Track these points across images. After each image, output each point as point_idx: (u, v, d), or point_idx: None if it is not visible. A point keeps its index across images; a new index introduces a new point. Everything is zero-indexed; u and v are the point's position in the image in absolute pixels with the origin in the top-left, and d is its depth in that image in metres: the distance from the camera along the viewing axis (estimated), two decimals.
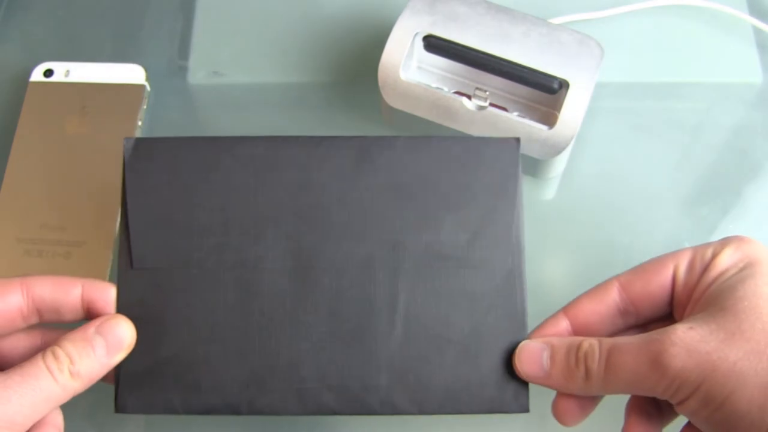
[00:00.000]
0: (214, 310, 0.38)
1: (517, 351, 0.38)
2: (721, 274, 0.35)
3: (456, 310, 0.38)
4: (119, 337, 0.36)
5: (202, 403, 0.38)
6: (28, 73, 0.54)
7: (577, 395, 0.37)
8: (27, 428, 0.34)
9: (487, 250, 0.39)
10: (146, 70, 0.54)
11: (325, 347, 0.38)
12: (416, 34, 0.49)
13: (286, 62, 0.56)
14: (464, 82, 0.51)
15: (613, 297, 0.37)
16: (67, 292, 0.36)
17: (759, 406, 0.31)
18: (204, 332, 0.38)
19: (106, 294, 0.37)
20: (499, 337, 0.38)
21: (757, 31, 0.56)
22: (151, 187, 0.39)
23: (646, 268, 0.37)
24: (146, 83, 0.54)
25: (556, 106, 0.48)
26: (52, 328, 0.38)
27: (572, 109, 0.47)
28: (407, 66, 0.50)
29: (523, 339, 0.38)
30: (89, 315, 0.37)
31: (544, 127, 0.47)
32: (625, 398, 0.38)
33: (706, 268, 0.35)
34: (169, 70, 0.56)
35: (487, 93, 0.48)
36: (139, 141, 0.40)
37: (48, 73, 0.54)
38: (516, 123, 0.47)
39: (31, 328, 0.37)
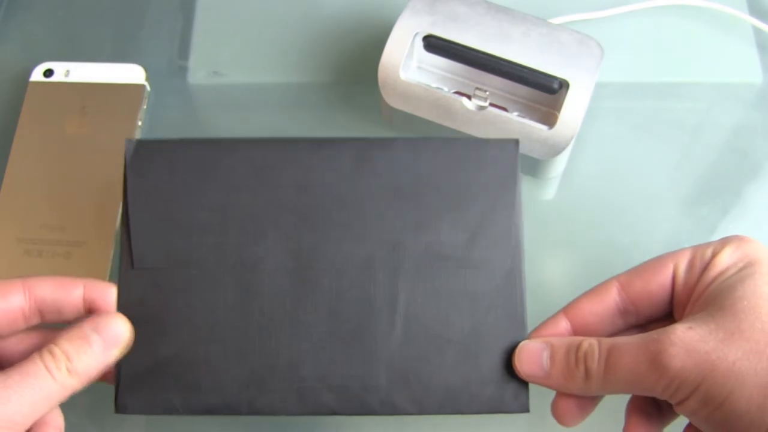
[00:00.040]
0: (214, 310, 0.38)
1: (517, 351, 0.38)
2: (721, 273, 0.35)
3: (456, 310, 0.39)
4: (116, 334, 0.36)
5: (203, 403, 0.38)
6: (28, 73, 0.54)
7: (577, 395, 0.37)
8: (27, 427, 0.34)
9: (486, 250, 0.39)
10: (146, 70, 0.54)
11: (325, 347, 0.38)
12: (416, 34, 0.49)
13: (286, 62, 0.56)
14: (464, 82, 0.51)
15: (612, 297, 0.37)
16: (68, 293, 0.36)
17: (758, 405, 0.31)
18: (204, 332, 0.38)
19: (107, 294, 0.37)
20: (499, 337, 0.38)
21: (757, 31, 0.56)
22: (152, 188, 0.40)
23: (646, 267, 0.37)
24: (146, 83, 0.54)
25: (556, 106, 0.48)
26: (53, 329, 0.38)
27: (572, 109, 0.47)
28: (407, 66, 0.50)
29: (523, 339, 0.38)
30: (90, 315, 0.37)
31: (544, 127, 0.47)
32: (625, 399, 0.38)
33: (706, 267, 0.35)
34: (169, 70, 0.56)
35: (487, 93, 0.48)
36: (140, 143, 0.40)
37: (48, 73, 0.54)
38: (516, 123, 0.47)
39: (31, 328, 0.37)
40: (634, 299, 0.37)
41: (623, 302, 0.37)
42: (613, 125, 0.53)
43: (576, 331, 0.38)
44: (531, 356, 0.37)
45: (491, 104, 0.48)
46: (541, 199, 0.52)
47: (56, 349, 0.34)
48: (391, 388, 0.38)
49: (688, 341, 0.32)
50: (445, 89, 0.49)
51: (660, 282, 0.37)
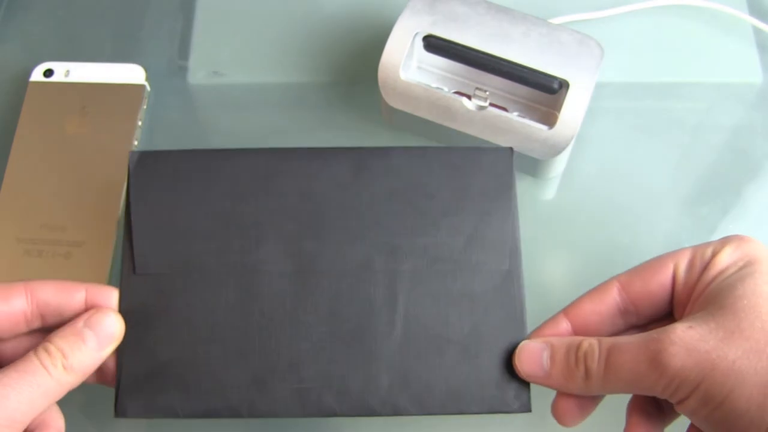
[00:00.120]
0: (214, 311, 0.39)
1: (517, 351, 0.38)
2: (721, 272, 0.35)
3: (455, 310, 0.39)
4: (109, 329, 0.36)
5: (203, 406, 0.38)
6: (28, 73, 0.54)
7: (577, 395, 0.37)
8: (25, 425, 0.34)
9: (483, 252, 0.39)
10: (146, 70, 0.54)
11: (325, 347, 0.38)
12: (416, 34, 0.49)
13: (286, 62, 0.56)
14: (464, 82, 0.51)
15: (613, 297, 0.37)
16: (70, 297, 0.37)
17: (758, 404, 0.31)
18: (204, 333, 0.38)
19: (109, 298, 0.38)
20: (499, 338, 0.38)
21: (757, 31, 0.56)
22: (155, 196, 0.40)
23: (646, 267, 0.37)
24: (146, 83, 0.54)
25: (556, 106, 0.48)
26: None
27: (572, 109, 0.47)
28: (407, 66, 0.50)
29: (523, 339, 0.38)
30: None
31: (544, 127, 0.47)
32: (625, 399, 0.38)
33: (706, 267, 0.35)
34: (169, 70, 0.56)
35: (487, 93, 0.48)
36: (144, 154, 0.41)
37: (48, 73, 0.54)
38: (516, 123, 0.47)
39: (33, 331, 0.37)
40: (634, 299, 0.37)
41: (623, 302, 0.37)
42: (613, 125, 0.53)
43: (576, 332, 0.38)
44: (531, 356, 0.37)
45: (491, 104, 0.48)
46: (541, 199, 0.52)
47: (51, 347, 0.35)
48: (392, 388, 0.38)
49: (688, 340, 0.32)
50: (445, 89, 0.49)
51: (660, 282, 0.37)
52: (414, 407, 0.38)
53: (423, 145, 0.50)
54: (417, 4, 0.49)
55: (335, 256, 0.39)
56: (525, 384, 0.38)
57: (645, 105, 0.54)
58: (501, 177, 0.41)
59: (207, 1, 0.59)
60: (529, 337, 0.38)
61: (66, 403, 0.36)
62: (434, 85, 0.50)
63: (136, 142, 0.52)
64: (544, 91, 0.48)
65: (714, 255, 0.36)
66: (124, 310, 0.38)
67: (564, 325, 0.38)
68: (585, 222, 0.50)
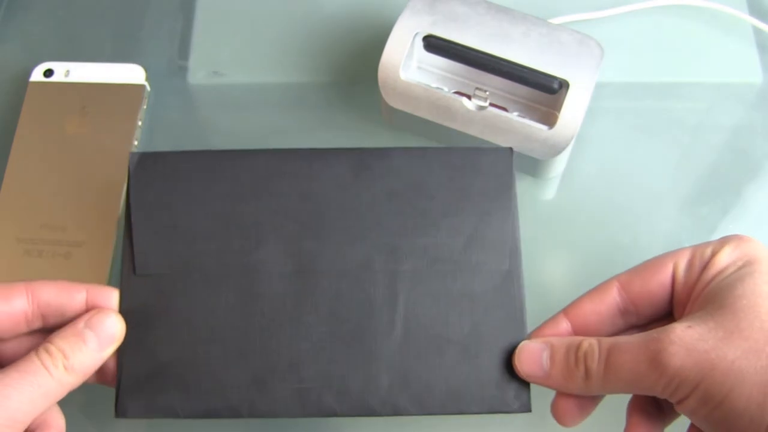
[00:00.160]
0: (215, 311, 0.39)
1: (517, 351, 0.38)
2: (720, 272, 0.35)
3: (455, 310, 0.39)
4: (110, 330, 0.37)
5: (203, 406, 0.38)
6: (28, 73, 0.54)
7: (577, 395, 0.37)
8: (26, 425, 0.34)
9: (483, 253, 0.39)
10: (146, 70, 0.54)
11: (325, 347, 0.38)
12: (416, 34, 0.49)
13: (286, 62, 0.56)
14: (464, 82, 0.51)
15: (613, 297, 0.37)
16: (71, 297, 0.37)
17: (758, 404, 0.31)
18: (204, 333, 0.38)
19: (109, 298, 0.38)
20: (499, 338, 0.38)
21: (757, 31, 0.56)
22: (155, 197, 0.40)
23: (646, 267, 0.37)
24: (146, 83, 0.54)
25: (556, 106, 0.48)
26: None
27: (572, 109, 0.47)
28: (407, 66, 0.50)
29: (523, 339, 0.38)
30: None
31: (544, 127, 0.47)
32: (625, 399, 0.38)
33: (705, 266, 0.35)
34: (169, 70, 0.56)
35: (487, 93, 0.48)
36: (144, 155, 0.41)
37: (48, 73, 0.54)
38: (516, 123, 0.47)
39: (33, 331, 0.37)
40: (634, 299, 0.37)
41: (623, 302, 0.37)
42: (613, 125, 0.53)
43: (576, 332, 0.38)
44: (531, 356, 0.37)
45: (491, 104, 0.48)
46: (541, 199, 0.52)
47: (52, 347, 0.35)
48: (392, 388, 0.38)
49: (687, 340, 0.32)
50: (445, 89, 0.49)
51: (660, 281, 0.37)
52: (414, 407, 0.38)
53: (423, 145, 0.50)
54: (417, 4, 0.49)
55: (335, 256, 0.39)
56: (525, 384, 0.38)
57: (645, 105, 0.54)
58: (501, 177, 0.41)
59: (207, 1, 0.59)
60: (529, 337, 0.38)
61: (66, 403, 0.36)
62: (434, 85, 0.50)
63: (136, 142, 0.52)
64: (544, 91, 0.48)
65: (713, 255, 0.36)
66: (124, 310, 0.38)
67: (564, 325, 0.38)
68: (585, 222, 0.50)
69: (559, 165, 0.50)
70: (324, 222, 0.40)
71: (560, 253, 0.50)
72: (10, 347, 0.37)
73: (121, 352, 0.38)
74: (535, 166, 0.49)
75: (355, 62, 0.56)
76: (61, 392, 0.35)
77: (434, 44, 0.48)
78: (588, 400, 0.37)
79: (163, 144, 0.53)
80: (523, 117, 0.48)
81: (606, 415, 0.38)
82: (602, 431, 0.40)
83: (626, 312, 0.37)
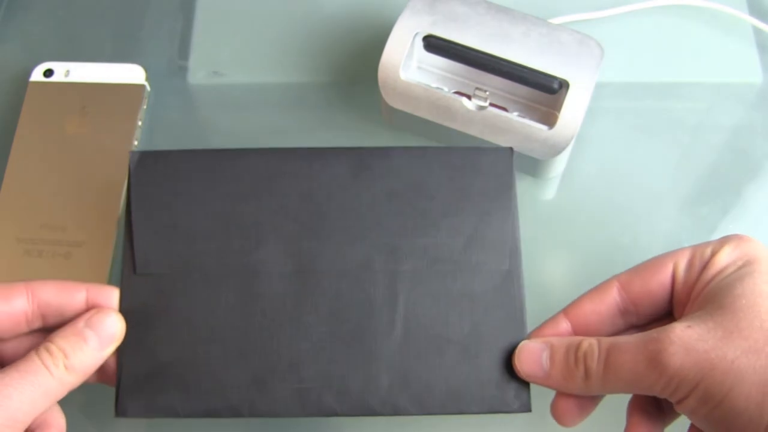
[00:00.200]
0: (215, 311, 0.39)
1: (517, 351, 0.38)
2: (720, 272, 0.35)
3: (455, 310, 0.39)
4: (110, 329, 0.37)
5: (203, 406, 0.38)
6: (28, 73, 0.54)
7: (577, 395, 0.37)
8: (27, 425, 0.34)
9: (483, 252, 0.39)
10: (146, 70, 0.54)
11: (326, 347, 0.38)
12: (416, 34, 0.49)
13: (286, 62, 0.56)
14: (464, 82, 0.51)
15: (613, 297, 0.37)
16: (71, 297, 0.37)
17: (757, 403, 0.31)
18: (205, 333, 0.38)
19: (110, 298, 0.38)
20: (499, 337, 0.38)
21: (757, 31, 0.56)
22: (155, 197, 0.40)
23: (646, 267, 0.37)
24: (146, 83, 0.54)
25: (556, 106, 0.48)
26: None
27: (572, 109, 0.47)
28: (407, 66, 0.50)
29: (523, 339, 0.38)
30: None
31: (544, 127, 0.47)
32: (625, 399, 0.38)
33: (705, 266, 0.35)
34: (169, 70, 0.56)
35: (487, 93, 0.48)
36: (144, 154, 0.41)
37: (48, 73, 0.54)
38: (516, 123, 0.47)
39: (33, 331, 0.37)
40: (634, 299, 0.37)
41: (623, 302, 0.37)
42: (613, 125, 0.53)
43: (576, 332, 0.38)
44: (531, 356, 0.37)
45: (491, 104, 0.48)
46: (541, 199, 0.52)
47: (53, 347, 0.35)
48: (392, 388, 0.38)
49: (687, 340, 0.32)
50: (445, 89, 0.49)
51: (660, 281, 0.37)
52: (414, 407, 0.38)
53: (423, 145, 0.50)
54: (417, 4, 0.49)
55: (335, 256, 0.39)
56: (525, 384, 0.38)
57: (645, 105, 0.54)
58: (501, 177, 0.41)
59: (207, 1, 0.59)
60: (528, 337, 0.38)
61: (66, 402, 0.36)
62: (434, 85, 0.50)
63: (136, 142, 0.52)
64: (544, 91, 0.48)
65: (713, 254, 0.36)
66: (124, 310, 0.38)
67: (564, 325, 0.38)
68: (585, 222, 0.50)
69: (559, 165, 0.50)
70: (324, 222, 0.40)
71: (560, 253, 0.50)
72: (10, 347, 0.37)
73: (121, 352, 0.38)
74: (535, 166, 0.49)
75: (355, 62, 0.56)
76: (62, 392, 0.35)
77: (434, 44, 0.48)
78: (588, 400, 0.37)
79: (163, 144, 0.53)
80: (523, 117, 0.48)
81: (606, 415, 0.38)
82: (602, 431, 0.40)
83: (626, 312, 0.37)
